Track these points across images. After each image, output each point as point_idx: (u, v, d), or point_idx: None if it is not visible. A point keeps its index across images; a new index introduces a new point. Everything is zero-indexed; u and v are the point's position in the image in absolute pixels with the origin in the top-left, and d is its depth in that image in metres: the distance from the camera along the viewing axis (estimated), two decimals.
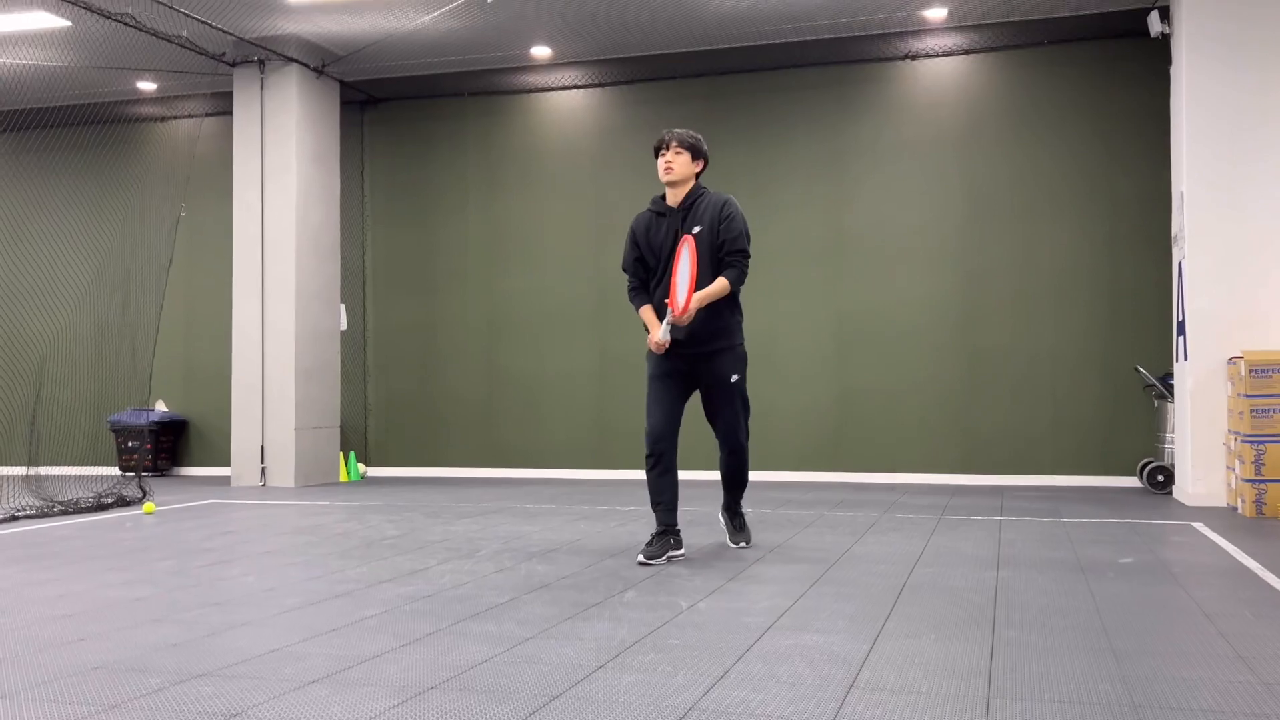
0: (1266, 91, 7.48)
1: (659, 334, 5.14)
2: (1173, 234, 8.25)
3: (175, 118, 11.39)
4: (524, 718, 2.76)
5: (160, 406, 11.26)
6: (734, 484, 5.65)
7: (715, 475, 9.50)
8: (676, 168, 5.29)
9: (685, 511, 7.23)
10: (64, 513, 7.49)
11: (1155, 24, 8.15)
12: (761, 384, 9.71)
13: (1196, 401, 7.54)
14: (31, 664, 3.35)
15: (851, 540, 5.87)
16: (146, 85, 11.04)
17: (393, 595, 4.40)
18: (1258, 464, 6.87)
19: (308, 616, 4.01)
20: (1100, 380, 9.10)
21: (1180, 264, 7.81)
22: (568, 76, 10.43)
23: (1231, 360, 7.35)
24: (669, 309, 5.11)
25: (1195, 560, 5.13)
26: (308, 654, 3.43)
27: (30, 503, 7.71)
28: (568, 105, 10.44)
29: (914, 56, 9.58)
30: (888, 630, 3.68)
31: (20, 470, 10.39)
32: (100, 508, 7.78)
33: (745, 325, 5.62)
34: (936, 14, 9.15)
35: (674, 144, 5.29)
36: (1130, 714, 2.74)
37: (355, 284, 10.89)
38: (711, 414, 5.43)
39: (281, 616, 4.01)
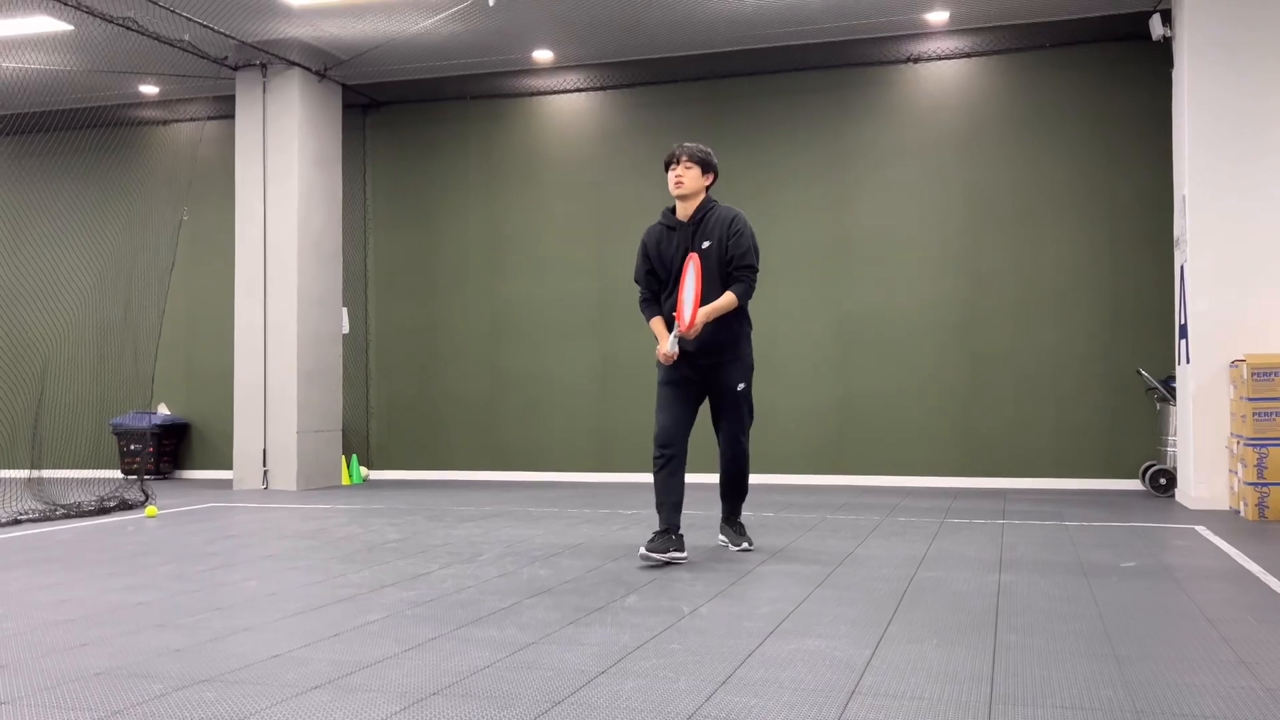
0: (1268, 95, 7.47)
1: (667, 345, 5.29)
2: (1175, 237, 8.25)
3: (177, 121, 11.40)
4: None
5: (162, 410, 11.27)
6: (734, 492, 5.68)
7: (715, 479, 9.48)
8: (687, 182, 5.38)
9: (687, 514, 7.22)
10: (66, 516, 7.50)
11: (1157, 27, 8.15)
12: (763, 387, 9.71)
13: (1199, 404, 7.53)
14: (33, 669, 3.35)
15: (854, 544, 5.86)
16: (149, 89, 11.05)
17: (395, 600, 4.40)
18: (1260, 467, 6.86)
19: (310, 621, 4.01)
20: (1102, 383, 9.09)
21: (1182, 267, 7.80)
22: (569, 80, 10.44)
23: (1234, 363, 7.34)
24: (677, 323, 5.25)
25: (1198, 564, 5.13)
26: (310, 659, 3.43)
27: (33, 506, 7.72)
28: (570, 109, 10.45)
29: (916, 60, 9.58)
30: (890, 635, 3.68)
31: (23, 473, 10.40)
32: (102, 511, 7.78)
33: None
34: (938, 17, 9.15)
35: (684, 158, 5.38)
36: (1132, 719, 2.74)
37: (357, 287, 10.90)
38: (717, 419, 5.57)
39: (284, 621, 4.01)
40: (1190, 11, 7.61)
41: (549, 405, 10.38)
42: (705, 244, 5.36)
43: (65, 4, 7.96)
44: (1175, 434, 8.22)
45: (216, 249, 11.25)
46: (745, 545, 5.66)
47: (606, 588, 4.61)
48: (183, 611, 4.22)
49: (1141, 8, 8.93)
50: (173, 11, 8.44)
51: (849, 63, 9.73)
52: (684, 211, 5.44)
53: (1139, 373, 8.80)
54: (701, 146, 5.44)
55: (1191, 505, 7.54)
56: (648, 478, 9.99)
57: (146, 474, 10.78)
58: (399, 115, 10.90)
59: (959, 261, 9.41)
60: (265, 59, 9.69)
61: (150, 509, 7.68)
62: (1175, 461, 8.20)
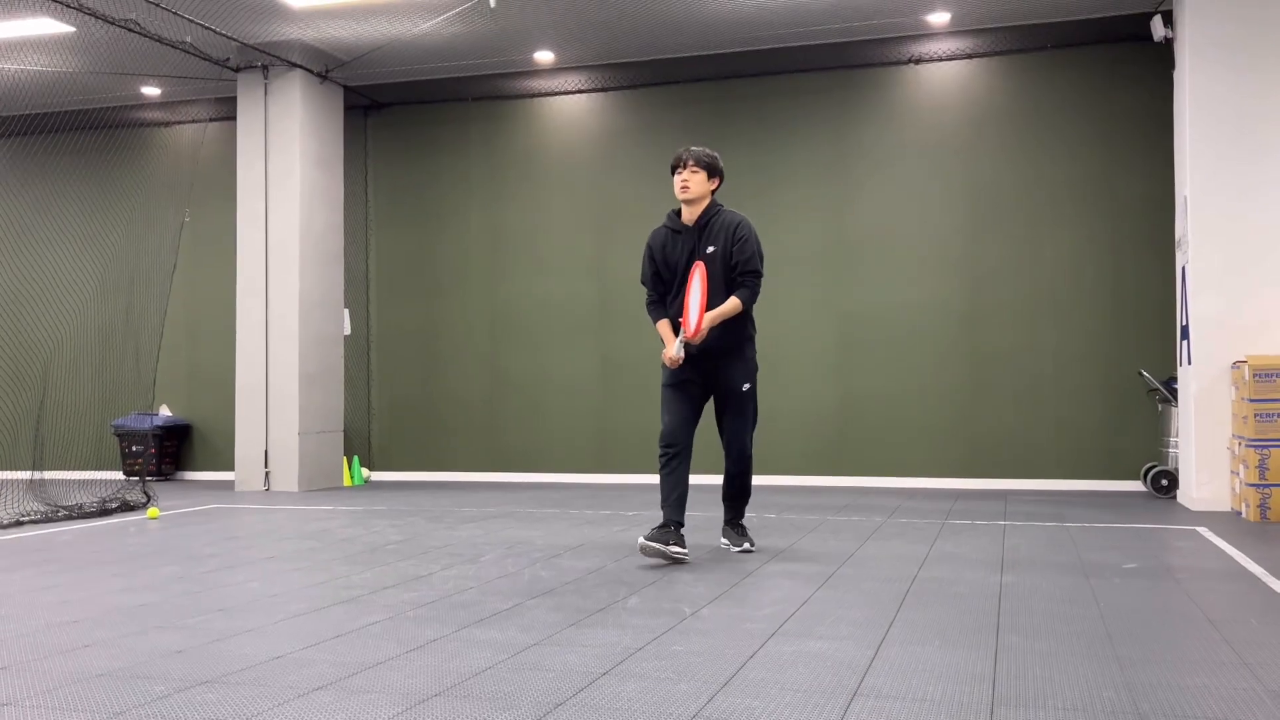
0: (1270, 95, 7.47)
1: (673, 349, 5.32)
2: (1176, 238, 8.25)
3: (179, 123, 11.41)
4: None
5: (164, 411, 11.28)
6: (737, 494, 5.69)
7: (717, 480, 9.49)
8: (693, 186, 5.40)
9: (688, 515, 7.22)
10: (68, 518, 7.50)
11: (1158, 28, 8.15)
12: (765, 388, 9.69)
13: (1200, 406, 7.53)
14: (36, 671, 3.35)
15: (855, 545, 5.87)
16: (150, 90, 11.06)
17: (396, 601, 4.40)
18: (1262, 468, 6.86)
19: (311, 623, 4.01)
20: (1104, 384, 9.09)
21: (1184, 268, 7.80)
22: (571, 81, 10.44)
23: (1235, 365, 7.34)
24: (683, 328, 5.28)
25: (1199, 565, 5.13)
26: (312, 661, 3.43)
27: (35, 508, 7.72)
28: (571, 110, 10.45)
29: (917, 61, 9.58)
30: (891, 636, 3.68)
31: (25, 475, 10.41)
32: (104, 512, 7.78)
33: None
34: (940, 18, 9.15)
35: (690, 162, 5.41)
36: None
37: (359, 288, 10.91)
38: (721, 421, 5.59)
39: (285, 623, 4.02)
40: (1191, 12, 7.61)
41: (550, 406, 10.39)
42: (710, 249, 5.38)
43: (67, 6, 7.97)
44: (1177, 435, 8.22)
45: (218, 250, 11.26)
46: (746, 546, 5.66)
47: (608, 589, 4.61)
48: (185, 613, 4.23)
49: (1143, 9, 8.93)
50: (174, 13, 8.45)
51: (850, 64, 9.73)
52: (689, 215, 5.46)
53: (1140, 374, 8.80)
54: (708, 151, 5.46)
55: (1193, 506, 7.53)
56: (649, 478, 9.99)
57: (148, 475, 10.79)
58: (400, 117, 10.91)
59: (960, 262, 9.42)
60: (267, 61, 9.70)
61: (152, 510, 7.68)
62: (1177, 463, 8.19)
